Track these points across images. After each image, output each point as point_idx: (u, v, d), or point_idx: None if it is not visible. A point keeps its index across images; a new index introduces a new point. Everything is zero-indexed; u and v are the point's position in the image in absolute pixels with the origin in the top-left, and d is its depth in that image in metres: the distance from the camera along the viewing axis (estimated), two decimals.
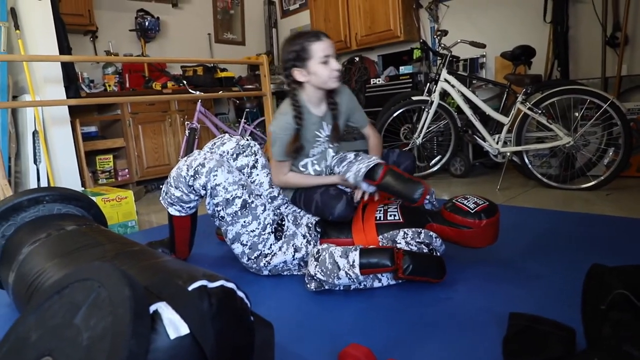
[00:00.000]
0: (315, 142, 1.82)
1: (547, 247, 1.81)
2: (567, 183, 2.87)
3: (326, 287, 1.52)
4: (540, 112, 2.83)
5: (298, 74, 1.74)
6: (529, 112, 2.87)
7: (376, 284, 1.52)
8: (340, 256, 1.46)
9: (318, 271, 1.48)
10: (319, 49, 1.69)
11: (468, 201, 1.58)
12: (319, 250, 1.53)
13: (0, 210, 1.46)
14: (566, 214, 2.26)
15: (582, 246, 1.78)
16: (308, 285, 1.54)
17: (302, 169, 1.86)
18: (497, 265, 1.64)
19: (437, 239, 1.59)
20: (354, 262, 1.43)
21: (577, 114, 2.92)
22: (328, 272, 1.46)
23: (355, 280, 1.46)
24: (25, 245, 1.31)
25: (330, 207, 1.67)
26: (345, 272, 1.43)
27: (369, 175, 1.63)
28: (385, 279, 1.52)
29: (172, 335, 0.72)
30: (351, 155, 1.76)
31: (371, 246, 1.55)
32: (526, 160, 3.01)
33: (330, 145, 1.88)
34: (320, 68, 1.70)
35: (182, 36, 4.99)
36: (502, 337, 1.12)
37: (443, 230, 1.61)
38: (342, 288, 1.52)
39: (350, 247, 1.50)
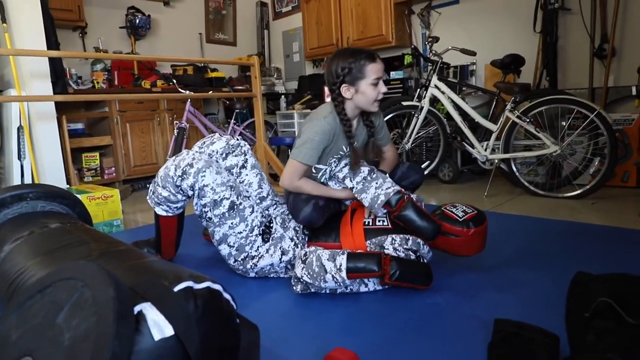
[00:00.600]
0: (337, 154, 1.81)
1: (533, 254, 1.82)
2: (553, 191, 2.91)
3: (312, 290, 1.52)
4: (528, 120, 2.86)
5: (345, 90, 1.71)
6: (517, 120, 2.90)
7: (362, 289, 1.52)
8: (327, 259, 1.46)
9: (305, 274, 1.47)
10: (374, 70, 1.68)
11: (457, 209, 1.58)
12: (306, 252, 1.53)
13: None
14: (552, 222, 2.29)
15: (567, 254, 1.80)
16: (294, 288, 1.53)
17: (314, 171, 1.83)
18: (484, 272, 1.65)
19: (425, 246, 1.59)
20: (341, 265, 1.43)
21: (564, 123, 2.96)
22: (315, 275, 1.45)
23: (341, 284, 1.45)
24: (7, 243, 1.28)
25: (297, 209, 1.67)
26: (332, 275, 1.43)
27: (387, 201, 1.60)
28: (372, 284, 1.52)
29: (157, 337, 0.71)
30: (365, 170, 1.70)
31: (359, 251, 1.55)
32: (514, 168, 3.04)
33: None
34: (370, 89, 1.69)
35: (172, 35, 4.96)
36: (487, 343, 1.12)
37: None
38: (328, 291, 1.51)
39: (338, 250, 1.50)
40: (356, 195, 1.68)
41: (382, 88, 1.72)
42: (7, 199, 1.47)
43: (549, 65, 3.45)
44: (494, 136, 3.05)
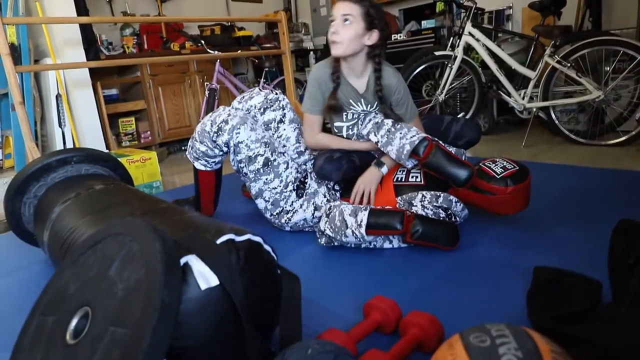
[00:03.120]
0: (348, 109, 1.77)
1: (574, 203, 1.78)
2: (595, 139, 2.79)
3: (336, 244, 1.53)
4: (569, 65, 2.72)
5: None
6: (557, 66, 2.77)
7: (387, 245, 1.51)
8: (349, 214, 1.45)
9: (327, 227, 1.49)
10: (334, 9, 1.65)
11: (496, 165, 1.50)
12: (330, 206, 1.53)
13: (31, 171, 1.50)
14: (594, 170, 2.21)
15: (610, 202, 1.75)
16: (319, 240, 1.56)
17: (336, 130, 1.83)
18: (522, 223, 1.63)
19: (458, 204, 1.53)
20: (361, 221, 1.42)
21: (608, 68, 2.80)
22: (336, 229, 1.47)
23: (361, 239, 1.45)
24: (57, 205, 1.35)
25: (314, 163, 1.67)
26: (352, 230, 1.43)
27: (413, 150, 1.54)
28: (397, 241, 1.51)
29: (203, 286, 0.74)
30: (388, 122, 1.63)
31: (387, 207, 1.53)
32: (553, 116, 2.92)
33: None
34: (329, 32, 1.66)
35: None
36: (526, 291, 1.12)
37: (467, 194, 1.54)
38: (352, 246, 1.52)
39: (361, 206, 1.49)
40: (382, 149, 1.63)
41: (331, 27, 1.63)
42: (52, 163, 1.53)
43: (592, 4, 3.23)
44: (532, 83, 2.92)
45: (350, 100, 1.75)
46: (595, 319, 0.97)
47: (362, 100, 1.76)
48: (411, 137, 1.55)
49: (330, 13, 5.23)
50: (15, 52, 3.03)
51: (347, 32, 1.61)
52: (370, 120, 1.71)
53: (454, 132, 1.79)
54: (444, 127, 1.82)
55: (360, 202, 1.63)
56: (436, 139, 1.60)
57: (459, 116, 1.82)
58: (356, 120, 1.80)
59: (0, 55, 2.23)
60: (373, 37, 1.65)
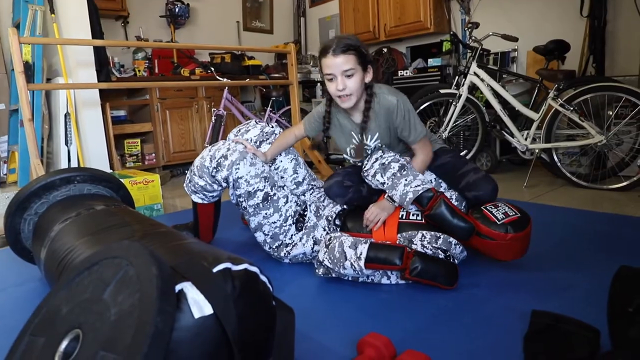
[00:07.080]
0: (350, 143, 1.77)
1: (574, 247, 1.77)
2: (597, 183, 2.80)
3: (333, 275, 1.52)
4: (572, 109, 2.76)
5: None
6: (560, 109, 2.80)
7: (384, 281, 1.49)
8: (349, 246, 1.45)
9: (326, 258, 1.48)
10: (324, 65, 1.60)
11: (498, 210, 1.50)
12: (331, 237, 1.53)
13: (34, 189, 1.51)
14: (595, 214, 2.21)
15: (611, 248, 1.74)
16: (317, 271, 1.55)
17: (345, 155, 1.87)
18: (521, 265, 1.61)
19: (457, 246, 1.52)
20: (361, 254, 1.41)
21: (610, 112, 2.83)
22: (335, 261, 1.46)
23: (359, 272, 1.44)
24: (57, 223, 1.35)
25: (327, 179, 1.73)
26: (351, 263, 1.42)
27: (417, 199, 1.54)
28: (394, 277, 1.49)
29: (196, 315, 0.74)
30: (395, 166, 1.61)
31: (386, 242, 1.52)
32: (555, 158, 2.94)
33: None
34: (327, 84, 1.62)
35: (211, 23, 5.02)
36: (523, 335, 1.10)
37: None
38: (350, 279, 1.51)
39: (362, 239, 1.48)
40: (387, 191, 1.62)
41: (338, 85, 1.57)
42: (56, 181, 1.54)
43: (596, 51, 3.30)
44: (535, 125, 2.95)
45: (352, 133, 1.75)
46: None
47: (360, 132, 1.73)
48: (415, 187, 1.54)
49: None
50: (28, 70, 3.09)
51: (354, 83, 1.58)
52: (377, 159, 1.65)
53: (465, 182, 1.69)
54: (460, 173, 1.72)
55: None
56: (441, 191, 1.59)
57: (477, 167, 1.73)
58: (359, 149, 1.77)
59: (14, 72, 2.27)
60: (370, 75, 1.64)
